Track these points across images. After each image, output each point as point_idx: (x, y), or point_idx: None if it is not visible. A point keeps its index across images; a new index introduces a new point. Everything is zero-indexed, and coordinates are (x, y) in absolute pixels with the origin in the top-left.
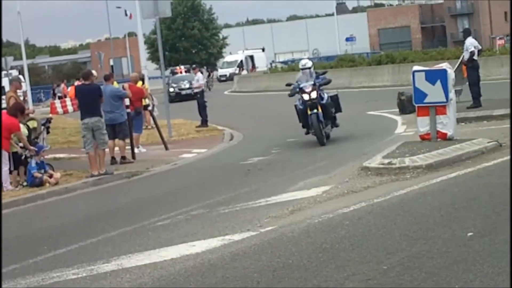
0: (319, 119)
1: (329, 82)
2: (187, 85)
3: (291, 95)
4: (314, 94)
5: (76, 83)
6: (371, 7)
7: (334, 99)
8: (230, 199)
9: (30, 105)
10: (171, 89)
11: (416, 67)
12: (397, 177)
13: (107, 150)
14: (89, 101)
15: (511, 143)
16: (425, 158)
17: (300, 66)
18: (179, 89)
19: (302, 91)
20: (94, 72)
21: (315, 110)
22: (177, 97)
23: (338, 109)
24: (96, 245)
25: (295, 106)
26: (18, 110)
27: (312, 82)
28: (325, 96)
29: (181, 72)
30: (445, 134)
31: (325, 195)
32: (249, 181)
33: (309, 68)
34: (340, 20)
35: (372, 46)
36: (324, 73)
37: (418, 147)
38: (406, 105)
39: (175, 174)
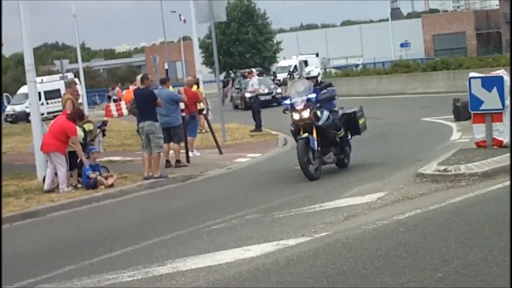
0: (311, 145)
1: (331, 98)
2: (266, 90)
3: (284, 112)
4: (306, 113)
5: (131, 87)
6: (425, 12)
7: (350, 118)
8: (285, 204)
9: (85, 108)
10: (248, 95)
11: (472, 74)
12: (453, 184)
13: (162, 153)
14: (143, 105)
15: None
16: (480, 165)
17: (304, 75)
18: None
19: (292, 108)
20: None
21: (305, 134)
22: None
23: (355, 131)
24: (151, 247)
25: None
26: (78, 116)
27: (306, 97)
28: (324, 115)
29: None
30: (501, 141)
31: (380, 201)
32: (303, 186)
33: (315, 77)
34: (395, 25)
35: (427, 52)
36: (328, 85)
37: (473, 154)
38: (462, 112)
39: (229, 178)
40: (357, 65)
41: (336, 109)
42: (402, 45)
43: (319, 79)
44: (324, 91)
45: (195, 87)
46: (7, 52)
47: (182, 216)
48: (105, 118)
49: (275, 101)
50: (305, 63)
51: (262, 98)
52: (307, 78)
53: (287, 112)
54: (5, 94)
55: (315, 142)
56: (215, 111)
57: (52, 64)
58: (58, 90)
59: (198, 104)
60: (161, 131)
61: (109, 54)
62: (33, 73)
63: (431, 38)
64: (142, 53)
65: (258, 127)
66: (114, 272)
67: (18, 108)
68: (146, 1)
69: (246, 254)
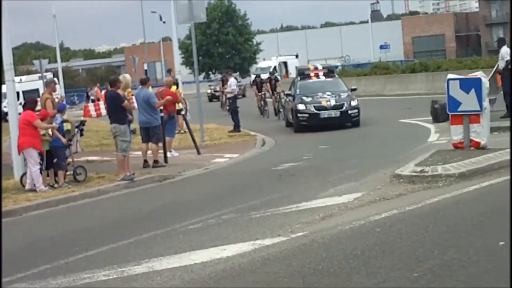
0: None
1: None
2: (331, 102)
3: None
4: None
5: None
6: (405, 15)
7: None
8: (261, 204)
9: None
10: (301, 107)
11: (450, 75)
12: (430, 185)
13: (138, 153)
14: (110, 107)
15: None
16: (458, 166)
17: None
18: (317, 108)
19: None
20: (124, 76)
21: None
22: (312, 122)
23: None
24: (127, 247)
25: None
26: (31, 103)
27: None
28: None
29: (316, 76)
30: (479, 143)
31: (356, 202)
32: (281, 186)
33: None
34: (375, 27)
35: (406, 54)
36: None
37: (451, 155)
38: (440, 113)
39: (206, 179)
40: (336, 67)
41: None
42: (381, 47)
43: None
44: None
45: (174, 87)
46: None
47: (159, 215)
48: (83, 118)
49: (347, 119)
50: (285, 64)
51: (325, 114)
52: None
53: None
54: None
55: None
56: (194, 111)
57: (31, 64)
58: (37, 90)
59: (176, 104)
60: (128, 134)
61: (89, 54)
62: (11, 72)
63: (411, 40)
64: (121, 53)
65: (236, 128)
66: (90, 271)
67: None
68: (127, 2)
69: (222, 253)
